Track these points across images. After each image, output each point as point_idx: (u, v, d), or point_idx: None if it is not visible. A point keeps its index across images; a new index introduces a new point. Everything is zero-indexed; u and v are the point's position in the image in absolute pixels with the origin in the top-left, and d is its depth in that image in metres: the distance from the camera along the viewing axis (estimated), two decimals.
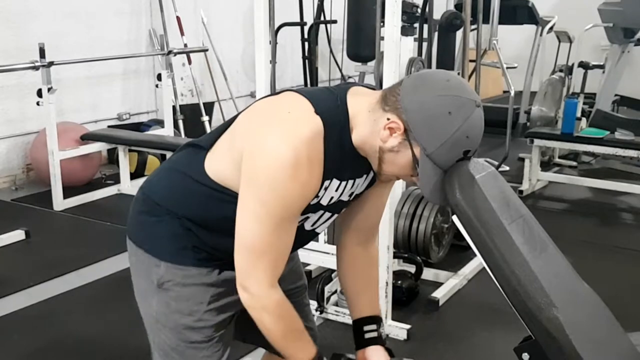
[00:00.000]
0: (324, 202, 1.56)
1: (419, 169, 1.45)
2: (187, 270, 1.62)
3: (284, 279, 1.82)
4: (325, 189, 1.53)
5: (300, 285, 1.92)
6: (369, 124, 1.48)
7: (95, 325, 3.19)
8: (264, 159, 1.43)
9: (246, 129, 1.53)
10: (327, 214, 1.64)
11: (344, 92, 1.54)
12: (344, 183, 1.56)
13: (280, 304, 1.54)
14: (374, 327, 1.80)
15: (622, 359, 1.54)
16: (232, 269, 1.64)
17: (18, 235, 4.18)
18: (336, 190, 1.56)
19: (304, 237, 1.68)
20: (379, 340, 1.79)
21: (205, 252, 1.62)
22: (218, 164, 1.58)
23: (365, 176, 1.61)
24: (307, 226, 1.65)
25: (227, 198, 1.54)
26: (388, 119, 1.44)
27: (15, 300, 3.43)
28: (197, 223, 1.61)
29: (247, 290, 1.51)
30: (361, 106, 1.50)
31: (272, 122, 1.48)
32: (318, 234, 1.72)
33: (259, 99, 1.64)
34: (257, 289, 1.50)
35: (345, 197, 1.61)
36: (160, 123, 5.91)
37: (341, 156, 1.50)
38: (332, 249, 3.26)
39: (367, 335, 1.79)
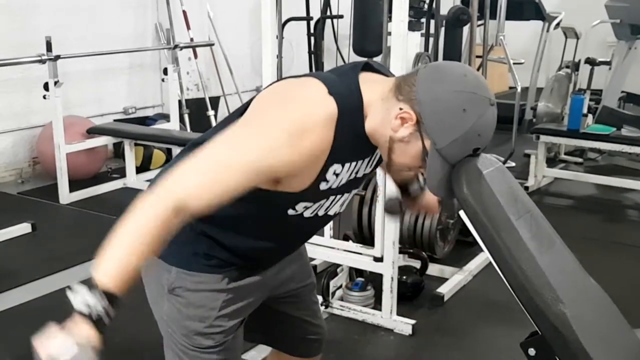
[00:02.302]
0: (335, 185, 1.53)
1: (427, 162, 1.44)
2: (198, 277, 1.61)
3: (292, 278, 1.82)
4: (336, 174, 1.50)
5: (309, 284, 1.91)
6: (381, 112, 1.46)
7: None
8: (270, 113, 1.41)
9: (257, 109, 1.49)
10: (339, 196, 1.60)
11: (356, 77, 1.50)
12: (353, 164, 1.53)
13: (163, 220, 1.34)
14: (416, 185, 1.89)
15: (629, 354, 1.54)
16: (244, 275, 1.65)
17: (24, 228, 4.19)
18: (347, 171, 1.53)
19: (316, 222, 1.65)
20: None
21: (216, 259, 1.61)
22: None
23: (371, 155, 1.58)
24: (321, 212, 1.61)
25: (243, 194, 1.49)
26: (401, 109, 1.42)
27: (21, 293, 3.44)
28: (212, 222, 1.57)
29: (155, 184, 1.40)
30: (374, 94, 1.47)
31: (285, 101, 1.44)
32: (332, 217, 1.68)
33: (272, 83, 1.60)
34: (166, 190, 1.37)
35: (352, 176, 1.57)
36: (166, 117, 5.92)
37: (353, 142, 1.47)
38: (338, 243, 3.28)
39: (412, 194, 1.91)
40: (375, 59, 4.86)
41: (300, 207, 1.55)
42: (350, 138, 1.46)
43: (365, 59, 1.57)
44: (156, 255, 1.62)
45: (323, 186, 1.51)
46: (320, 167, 1.46)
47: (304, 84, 1.48)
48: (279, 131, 1.37)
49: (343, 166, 1.50)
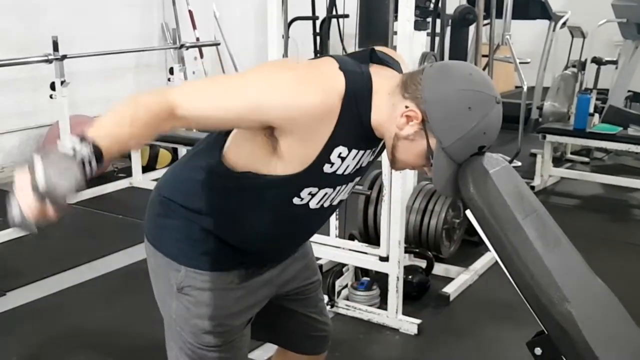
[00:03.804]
0: (340, 171, 1.53)
1: (433, 161, 1.44)
2: (207, 276, 1.61)
3: (298, 276, 1.83)
4: (342, 158, 1.50)
5: (315, 281, 1.91)
6: (387, 107, 1.46)
7: (107, 318, 3.21)
8: (281, 66, 1.47)
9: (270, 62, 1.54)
10: (344, 186, 1.60)
11: (367, 62, 1.52)
12: (361, 152, 1.54)
13: (157, 109, 1.38)
14: None
15: (635, 354, 1.53)
16: (252, 275, 1.66)
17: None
18: (353, 159, 1.53)
19: (322, 214, 1.65)
20: None
21: (225, 258, 1.62)
22: (236, 148, 1.55)
23: (377, 146, 1.59)
24: (326, 203, 1.61)
25: (250, 183, 1.52)
26: (406, 107, 1.43)
27: (27, 292, 3.45)
28: (220, 217, 1.58)
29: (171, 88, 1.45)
30: (382, 86, 1.48)
31: (296, 65, 1.48)
32: (336, 208, 1.69)
33: None
34: (173, 88, 1.45)
35: (358, 165, 1.57)
36: None
37: (358, 125, 1.48)
38: (343, 243, 3.28)
39: None
40: None
41: (305, 193, 1.54)
42: (356, 120, 1.46)
43: (371, 48, 1.57)
44: (164, 254, 1.63)
45: (327, 169, 1.50)
46: (323, 142, 1.45)
47: (316, 60, 1.54)
48: (285, 78, 1.43)
49: (350, 150, 1.50)
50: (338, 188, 1.59)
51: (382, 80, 1.49)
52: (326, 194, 1.58)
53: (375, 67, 1.53)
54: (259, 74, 1.46)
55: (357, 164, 1.55)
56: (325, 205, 1.61)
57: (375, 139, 1.52)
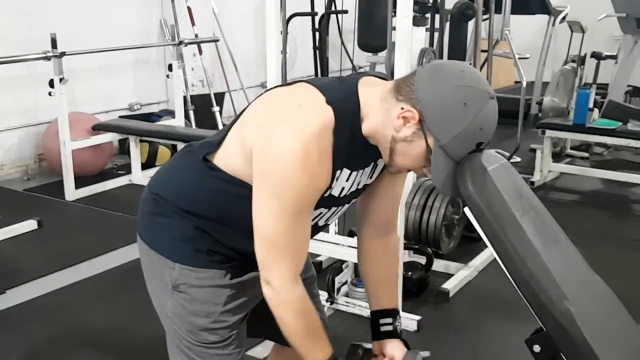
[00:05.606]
0: (336, 193, 1.56)
1: (432, 160, 1.45)
2: (202, 273, 1.61)
3: None
4: (337, 179, 1.53)
5: (310, 277, 1.92)
6: (382, 113, 1.47)
7: (107, 315, 3.21)
8: (275, 153, 1.43)
9: (256, 121, 1.52)
10: (339, 208, 1.64)
11: (355, 81, 1.53)
12: (354, 173, 1.56)
13: (302, 300, 1.53)
14: (389, 320, 1.82)
15: (634, 351, 1.53)
16: (247, 270, 1.65)
17: (30, 225, 4.20)
18: (347, 180, 1.56)
19: (316, 231, 1.68)
20: (394, 334, 1.81)
21: (219, 254, 1.62)
22: (230, 157, 1.57)
23: (373, 164, 1.61)
24: (321, 222, 1.65)
25: (242, 191, 1.53)
26: (402, 109, 1.43)
27: (27, 289, 3.45)
28: (212, 220, 1.59)
29: (269, 284, 1.50)
30: (373, 95, 1.49)
31: (283, 115, 1.47)
32: (329, 225, 1.73)
33: (270, 89, 1.64)
34: (280, 284, 1.50)
35: (354, 187, 1.61)
36: (171, 113, 5.92)
37: (351, 146, 1.50)
38: (343, 239, 3.28)
39: (382, 329, 1.82)
40: (379, 54, 4.87)
41: None
42: (349, 141, 1.48)
43: (370, 73, 1.59)
44: (157, 252, 1.64)
45: (326, 192, 1.53)
46: (330, 175, 1.49)
47: (301, 97, 1.51)
48: (292, 172, 1.42)
49: (342, 171, 1.52)
50: (334, 209, 1.62)
51: (371, 88, 1.51)
52: (321, 213, 1.61)
53: (365, 78, 1.55)
54: (280, 189, 1.44)
55: (351, 185, 1.58)
56: (320, 224, 1.65)
57: (372, 152, 1.54)
